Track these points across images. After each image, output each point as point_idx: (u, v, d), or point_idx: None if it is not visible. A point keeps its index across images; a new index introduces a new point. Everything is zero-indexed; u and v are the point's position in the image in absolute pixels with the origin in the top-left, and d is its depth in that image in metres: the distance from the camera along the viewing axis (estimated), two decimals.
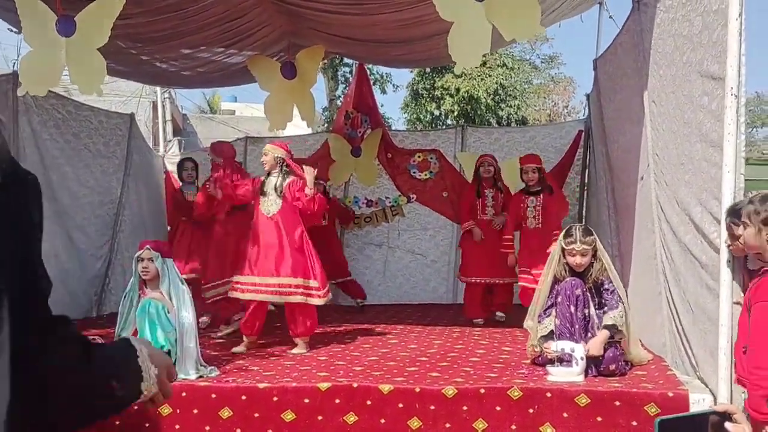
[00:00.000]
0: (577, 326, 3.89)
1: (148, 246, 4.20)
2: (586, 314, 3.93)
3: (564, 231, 4.11)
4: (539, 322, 4.08)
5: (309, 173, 4.96)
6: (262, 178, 5.14)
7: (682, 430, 1.43)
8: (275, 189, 4.99)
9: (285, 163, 5.04)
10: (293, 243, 4.89)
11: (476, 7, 4.21)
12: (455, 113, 18.01)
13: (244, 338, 4.98)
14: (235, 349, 4.87)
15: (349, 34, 6.42)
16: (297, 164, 5.15)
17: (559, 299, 3.95)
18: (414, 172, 8.23)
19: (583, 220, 7.48)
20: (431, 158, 8.22)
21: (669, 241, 3.77)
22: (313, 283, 4.88)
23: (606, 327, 3.89)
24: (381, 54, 7.40)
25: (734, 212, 3.08)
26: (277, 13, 6.07)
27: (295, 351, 4.82)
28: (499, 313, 6.32)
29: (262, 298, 4.91)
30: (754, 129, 22.71)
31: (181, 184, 6.96)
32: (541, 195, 5.73)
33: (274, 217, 4.95)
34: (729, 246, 3.10)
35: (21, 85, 4.76)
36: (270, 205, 4.98)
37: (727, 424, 1.41)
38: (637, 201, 4.27)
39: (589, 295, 3.97)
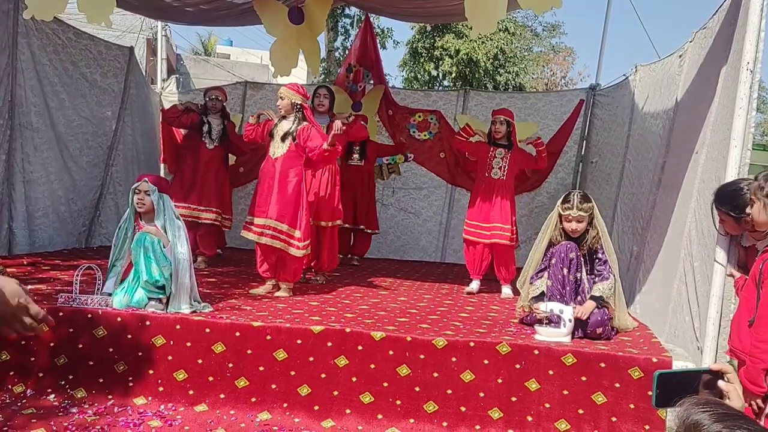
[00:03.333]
0: (568, 288, 3.97)
1: (146, 179, 4.19)
2: (578, 278, 4.01)
3: (563, 196, 4.15)
4: (531, 283, 4.15)
5: (337, 129, 4.89)
6: (274, 120, 5.09)
7: (678, 384, 1.49)
8: (287, 133, 4.94)
9: (301, 109, 4.98)
10: (288, 188, 4.88)
11: None
12: (453, 75, 17.90)
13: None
14: (253, 291, 4.93)
15: None
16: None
17: (553, 261, 4.02)
18: (413, 132, 8.23)
19: (577, 188, 7.55)
20: (431, 119, 8.22)
21: (701, 216, 3.77)
22: (296, 233, 4.88)
23: (593, 298, 3.97)
24: (390, 5, 7.30)
25: (720, 196, 3.13)
26: None
27: (278, 294, 4.89)
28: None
29: (252, 237, 4.94)
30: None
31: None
32: (510, 150, 5.63)
33: (277, 160, 4.94)
34: (717, 227, 3.15)
35: (27, 8, 4.66)
36: (276, 148, 4.97)
37: (720, 383, 1.47)
38: (685, 177, 4.22)
39: (582, 260, 4.04)
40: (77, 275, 4.03)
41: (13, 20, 6.02)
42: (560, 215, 4.09)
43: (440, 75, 18.50)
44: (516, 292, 5.31)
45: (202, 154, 6.36)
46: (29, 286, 4.51)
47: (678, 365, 3.41)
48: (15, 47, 6.07)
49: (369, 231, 7.25)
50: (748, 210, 2.81)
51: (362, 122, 6.67)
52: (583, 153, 8.02)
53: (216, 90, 6.62)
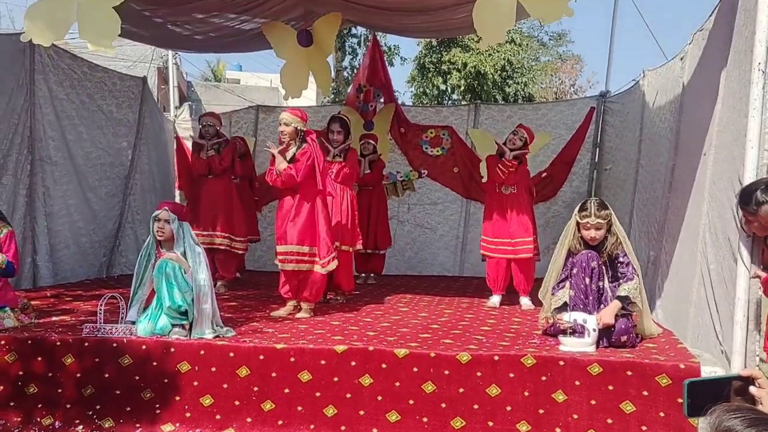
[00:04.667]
0: (591, 298, 3.95)
1: (166, 207, 4.23)
2: (600, 287, 3.99)
3: (579, 204, 4.14)
4: (553, 293, 4.13)
5: (273, 150, 4.92)
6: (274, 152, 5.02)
7: (708, 392, 1.49)
8: (291, 159, 4.94)
9: (303, 135, 5.00)
10: (303, 212, 4.91)
11: None
12: (462, 88, 17.96)
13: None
14: (274, 313, 4.96)
15: (366, 2, 6.38)
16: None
17: (575, 271, 4.00)
18: (426, 148, 8.29)
19: (592, 196, 7.52)
20: (443, 134, 8.27)
21: (714, 218, 3.75)
22: (318, 251, 4.94)
23: (619, 298, 3.94)
24: (397, 23, 7.36)
25: (743, 197, 3.10)
26: None
27: (299, 315, 4.92)
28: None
29: (278, 265, 4.97)
30: None
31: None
32: (520, 164, 5.58)
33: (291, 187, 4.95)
34: (743, 228, 3.12)
35: (25, 31, 4.69)
36: None
37: (752, 388, 1.46)
38: (695, 179, 4.20)
39: (603, 268, 4.02)
40: (101, 305, 4.07)
41: (29, 58, 6.15)
42: (578, 223, 4.07)
43: (449, 89, 18.56)
44: (536, 302, 5.29)
45: (201, 180, 6.44)
46: (53, 318, 4.57)
47: (706, 371, 3.37)
48: (33, 84, 6.20)
49: (383, 252, 7.27)
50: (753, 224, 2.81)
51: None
52: (596, 160, 8.00)
53: (208, 116, 6.71)
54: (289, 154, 4.97)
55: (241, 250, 6.63)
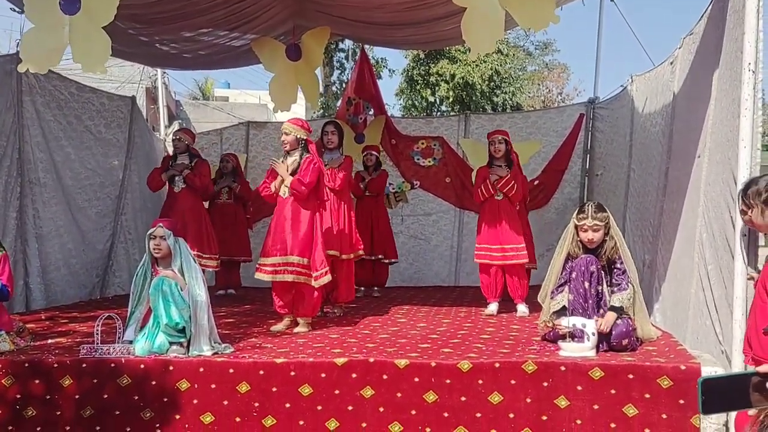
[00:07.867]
0: (590, 302, 3.94)
1: (161, 224, 4.21)
2: (600, 291, 3.99)
3: (578, 208, 4.16)
4: (552, 297, 4.13)
5: (278, 168, 4.91)
6: (279, 160, 5.05)
7: (724, 389, 1.48)
8: (293, 171, 4.90)
9: (306, 143, 4.98)
10: (302, 223, 4.87)
11: None
12: (450, 99, 18.06)
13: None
14: (273, 328, 4.92)
15: (355, 17, 6.43)
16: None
17: (574, 275, 4.00)
18: (417, 159, 8.33)
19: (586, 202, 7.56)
20: (434, 145, 8.31)
21: (710, 219, 3.77)
22: (313, 263, 4.90)
23: (613, 308, 3.94)
24: (386, 36, 7.42)
25: (747, 187, 3.12)
26: None
27: (297, 330, 4.88)
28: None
29: (267, 278, 4.92)
30: None
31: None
32: (510, 169, 5.61)
33: (288, 198, 4.91)
34: (743, 219, 3.13)
35: (21, 62, 4.72)
36: (285, 187, 4.92)
37: None
38: (690, 181, 4.23)
39: (603, 272, 4.02)
40: (98, 325, 4.03)
41: (16, 79, 6.12)
42: (576, 227, 4.08)
43: (437, 100, 18.67)
44: (532, 309, 5.30)
45: (171, 197, 6.45)
46: (50, 340, 4.52)
47: (707, 371, 3.37)
48: (20, 105, 6.17)
49: (387, 261, 7.23)
50: (749, 214, 2.84)
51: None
52: (587, 167, 8.05)
53: (180, 131, 6.76)
54: (291, 165, 4.94)
55: (212, 268, 6.67)
